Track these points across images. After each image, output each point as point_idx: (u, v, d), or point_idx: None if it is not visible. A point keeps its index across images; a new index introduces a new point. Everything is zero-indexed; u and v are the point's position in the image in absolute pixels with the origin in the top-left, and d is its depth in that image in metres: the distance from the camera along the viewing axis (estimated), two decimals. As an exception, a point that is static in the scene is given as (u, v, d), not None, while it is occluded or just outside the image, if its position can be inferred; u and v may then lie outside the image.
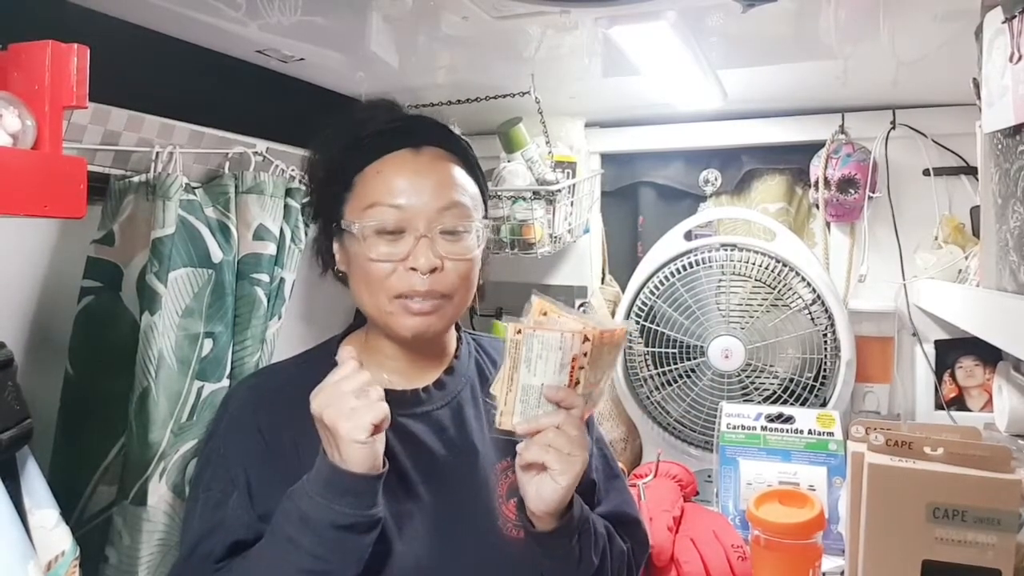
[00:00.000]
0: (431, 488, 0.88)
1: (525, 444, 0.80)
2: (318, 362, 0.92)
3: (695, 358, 1.58)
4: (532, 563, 0.86)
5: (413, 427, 0.90)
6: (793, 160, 1.71)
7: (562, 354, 0.79)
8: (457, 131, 0.96)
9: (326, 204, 0.92)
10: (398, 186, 0.85)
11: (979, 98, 0.91)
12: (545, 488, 0.79)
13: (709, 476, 1.54)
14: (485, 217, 0.94)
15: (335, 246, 0.92)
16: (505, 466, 0.92)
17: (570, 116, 1.74)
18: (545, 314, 0.82)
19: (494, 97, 1.44)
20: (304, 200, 1.31)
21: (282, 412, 0.88)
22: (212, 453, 0.92)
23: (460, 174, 0.90)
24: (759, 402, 1.53)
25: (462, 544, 0.86)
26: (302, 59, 1.23)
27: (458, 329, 1.02)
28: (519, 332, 0.79)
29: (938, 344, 1.57)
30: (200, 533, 0.86)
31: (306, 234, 1.35)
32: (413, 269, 0.84)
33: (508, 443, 0.92)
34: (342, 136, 0.90)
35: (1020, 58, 0.76)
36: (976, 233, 1.48)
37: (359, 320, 1.00)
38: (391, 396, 0.88)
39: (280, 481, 0.82)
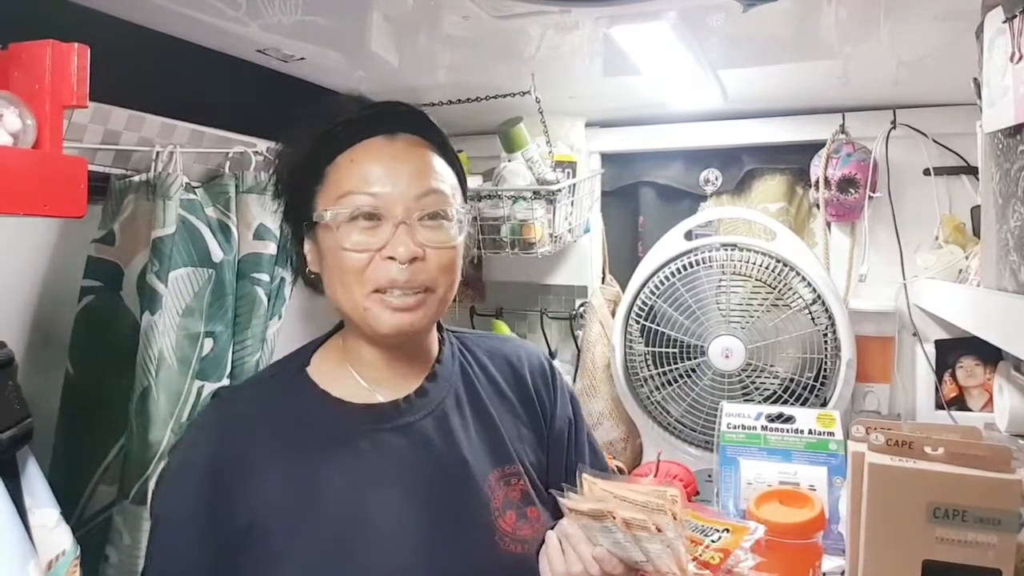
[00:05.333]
0: (420, 507, 0.81)
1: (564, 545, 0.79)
2: (288, 380, 0.87)
3: (695, 358, 1.58)
4: None
5: (395, 442, 0.83)
6: (793, 160, 1.71)
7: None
8: (433, 119, 0.89)
9: (296, 201, 0.86)
10: (373, 173, 0.80)
11: (980, 98, 0.91)
12: None
13: (709, 476, 1.54)
14: (464, 206, 0.88)
15: (307, 246, 0.86)
16: (498, 476, 0.87)
17: (570, 116, 1.74)
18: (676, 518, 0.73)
19: (494, 97, 1.44)
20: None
21: (242, 446, 0.82)
22: (153, 501, 0.90)
23: (437, 161, 0.84)
24: (759, 402, 1.53)
25: (458, 564, 0.81)
26: (302, 59, 1.23)
27: (440, 329, 0.95)
28: (614, 519, 0.73)
29: (938, 344, 1.57)
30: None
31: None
32: (391, 259, 0.78)
33: (501, 452, 0.88)
34: (310, 129, 0.84)
35: (1021, 58, 0.76)
36: (976, 233, 1.47)
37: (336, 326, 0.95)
38: (371, 411, 0.84)
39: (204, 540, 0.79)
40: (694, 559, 0.76)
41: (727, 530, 0.80)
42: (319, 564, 0.77)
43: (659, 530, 0.71)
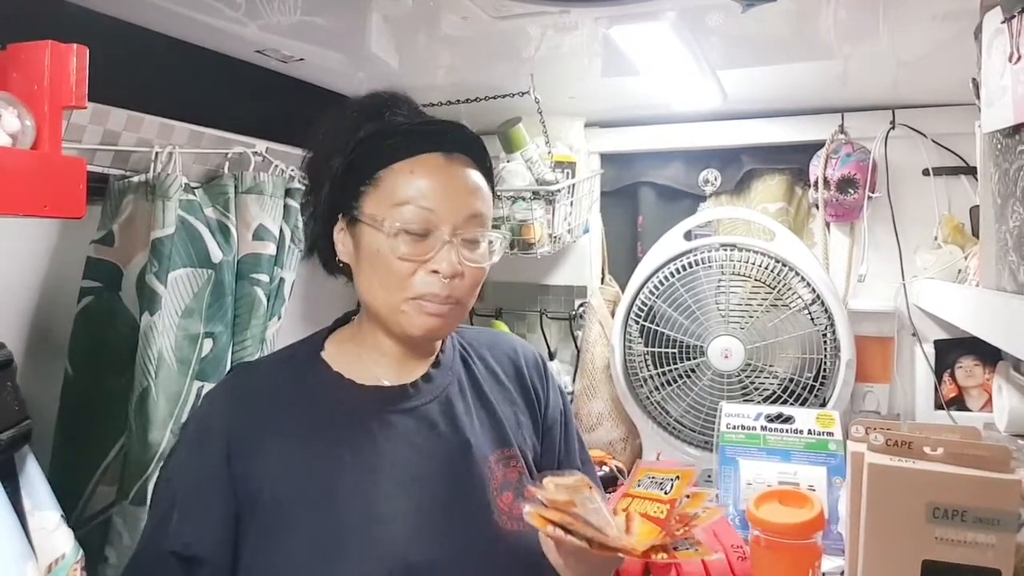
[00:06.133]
0: (424, 486, 0.87)
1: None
2: (303, 361, 0.92)
3: (695, 358, 1.58)
4: (530, 555, 0.87)
5: (403, 424, 0.89)
6: (793, 160, 1.71)
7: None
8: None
9: (338, 193, 0.89)
10: (431, 188, 0.85)
11: (978, 98, 0.91)
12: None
13: (709, 476, 1.54)
14: (500, 232, 0.93)
15: (339, 235, 0.90)
16: (497, 458, 0.93)
17: (570, 116, 1.74)
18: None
19: (494, 97, 1.44)
20: (303, 187, 1.19)
21: (257, 416, 0.86)
22: (166, 470, 0.91)
23: (483, 183, 0.91)
24: (759, 402, 1.53)
25: (459, 541, 0.86)
26: (302, 59, 1.23)
27: None
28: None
29: (938, 344, 1.57)
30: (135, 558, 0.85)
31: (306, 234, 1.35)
32: (435, 272, 0.85)
33: (500, 436, 0.94)
34: (364, 127, 0.88)
35: (1019, 58, 0.76)
36: (975, 233, 1.48)
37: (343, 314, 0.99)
38: (382, 393, 0.90)
39: (222, 509, 0.82)
40: (648, 518, 0.79)
41: (677, 477, 0.83)
42: (326, 537, 0.81)
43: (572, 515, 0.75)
